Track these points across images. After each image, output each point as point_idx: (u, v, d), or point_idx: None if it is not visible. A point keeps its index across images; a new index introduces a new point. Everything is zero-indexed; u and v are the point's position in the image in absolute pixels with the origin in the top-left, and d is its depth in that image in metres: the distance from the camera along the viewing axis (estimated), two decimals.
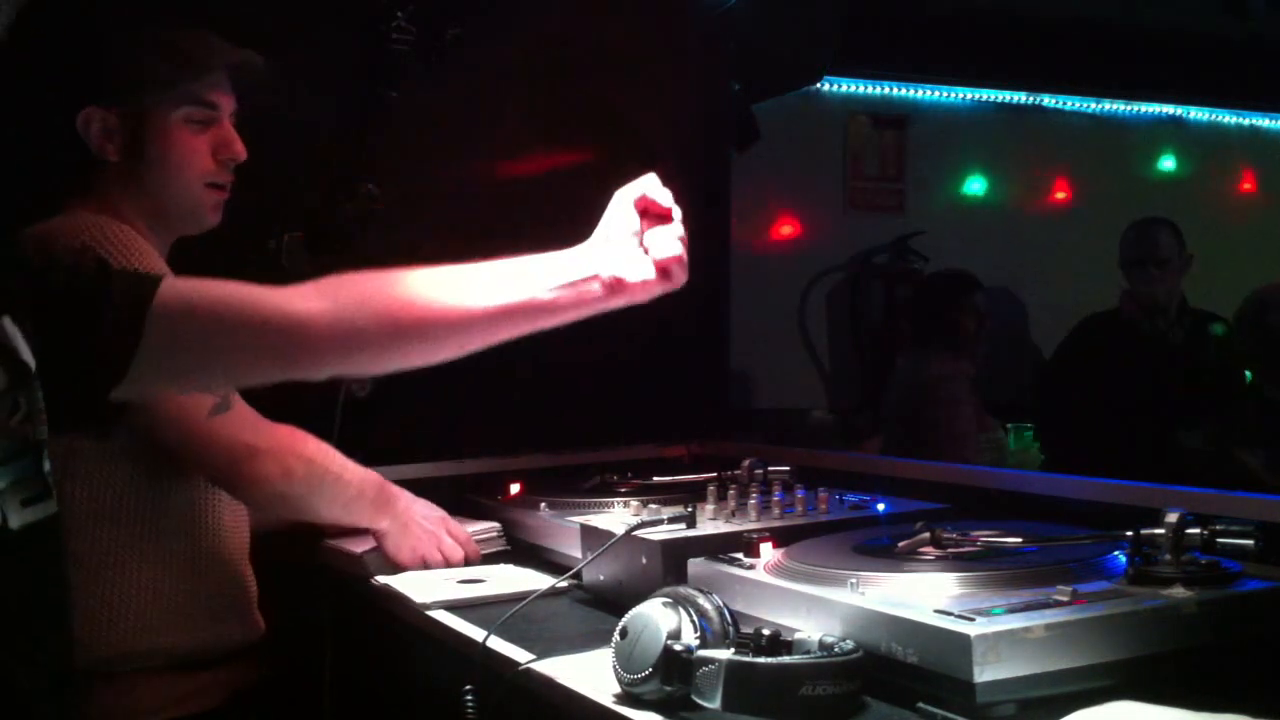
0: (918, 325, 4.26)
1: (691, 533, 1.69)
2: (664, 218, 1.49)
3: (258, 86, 1.99)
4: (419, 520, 2.04)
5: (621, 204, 1.50)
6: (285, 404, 1.91)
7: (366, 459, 2.06)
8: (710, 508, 1.81)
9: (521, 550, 2.11)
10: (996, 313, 4.19)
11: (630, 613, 1.33)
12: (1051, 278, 4.80)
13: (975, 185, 4.95)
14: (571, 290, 1.45)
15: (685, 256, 1.49)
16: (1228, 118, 5.47)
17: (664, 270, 1.47)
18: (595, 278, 1.46)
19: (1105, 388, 3.71)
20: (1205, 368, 3.79)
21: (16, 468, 1.12)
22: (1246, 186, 5.52)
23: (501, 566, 2.06)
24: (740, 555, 1.56)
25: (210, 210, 1.95)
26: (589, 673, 1.40)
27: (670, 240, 1.48)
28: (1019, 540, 1.47)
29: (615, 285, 1.46)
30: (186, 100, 1.88)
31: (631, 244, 1.48)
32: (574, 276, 1.46)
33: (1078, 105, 5.13)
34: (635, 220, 1.49)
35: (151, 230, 1.87)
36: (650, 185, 1.50)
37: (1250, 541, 1.33)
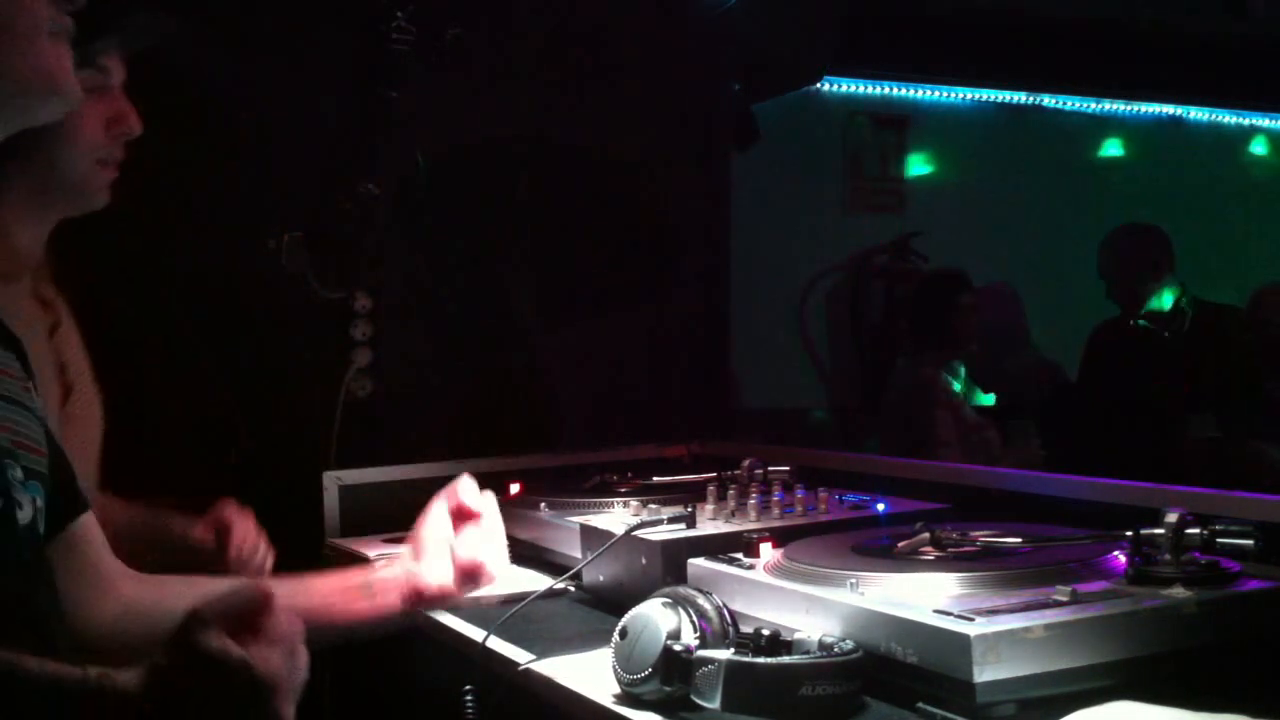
0: (913, 326, 4.27)
1: (691, 533, 1.69)
2: (476, 519, 1.52)
3: (158, 45, 1.77)
4: None
5: (437, 509, 1.53)
6: (286, 405, 1.92)
7: (367, 459, 2.06)
8: (710, 508, 1.81)
9: (522, 550, 2.11)
10: (996, 313, 4.19)
11: (630, 613, 1.32)
12: (1051, 278, 4.80)
13: (975, 185, 4.95)
14: (369, 605, 1.47)
15: (495, 558, 1.51)
16: (1228, 118, 5.47)
17: (467, 573, 1.49)
18: (393, 589, 1.48)
19: (1120, 390, 3.73)
20: (1208, 364, 3.80)
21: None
22: (1246, 186, 5.52)
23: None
24: (740, 555, 1.56)
25: (99, 190, 1.73)
26: (589, 673, 1.40)
27: (475, 543, 1.49)
28: (1019, 540, 1.47)
29: (412, 596, 1.49)
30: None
31: (438, 550, 1.50)
32: (374, 591, 1.48)
33: (1078, 105, 5.13)
34: (447, 525, 1.51)
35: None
36: (464, 488, 1.52)
37: (1250, 541, 1.33)
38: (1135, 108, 5.25)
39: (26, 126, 1.29)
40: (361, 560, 2.04)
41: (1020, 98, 4.99)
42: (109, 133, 1.72)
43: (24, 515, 1.13)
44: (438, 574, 1.49)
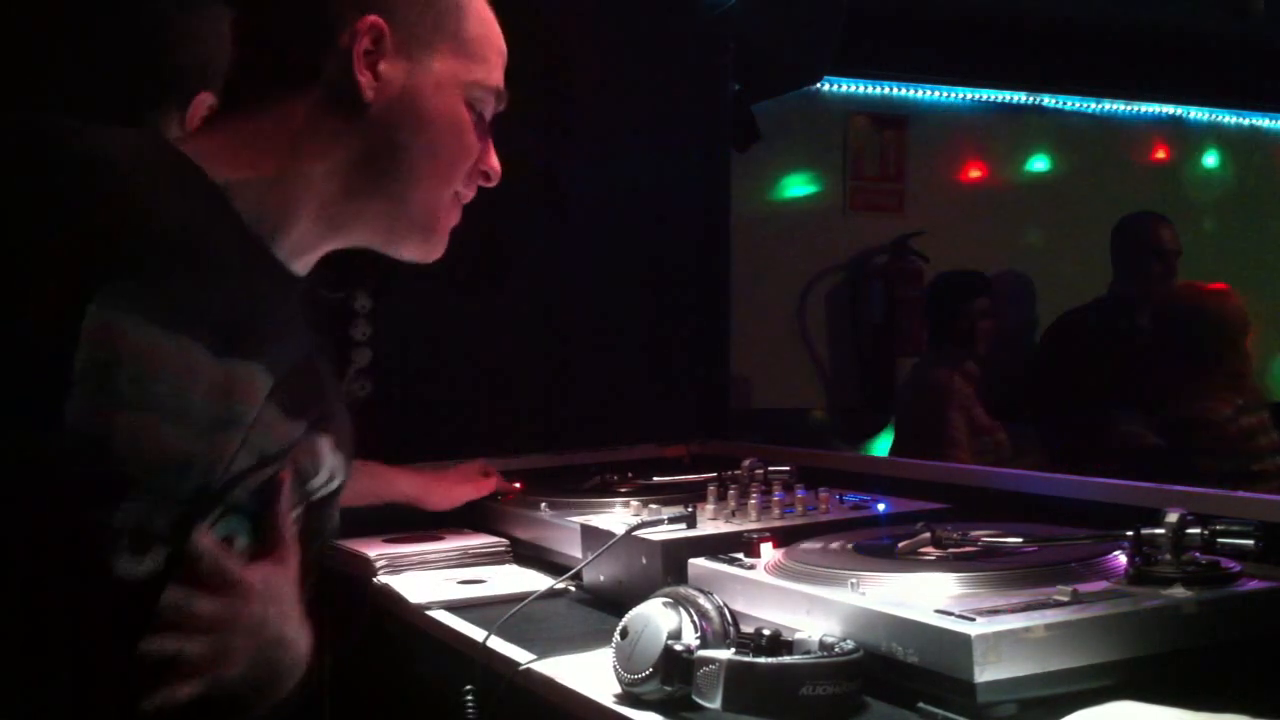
0: (929, 326, 4.24)
1: (691, 533, 1.69)
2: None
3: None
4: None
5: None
6: None
7: (367, 459, 2.04)
8: (710, 508, 1.81)
9: (522, 550, 2.11)
10: (998, 313, 4.19)
11: (630, 613, 1.33)
12: (1050, 279, 4.79)
13: (975, 185, 4.94)
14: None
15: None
16: (1228, 118, 5.47)
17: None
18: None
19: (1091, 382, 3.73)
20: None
21: None
22: (1246, 186, 5.51)
23: (501, 566, 2.06)
24: (740, 555, 1.56)
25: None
26: (589, 673, 1.40)
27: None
28: (1019, 540, 1.48)
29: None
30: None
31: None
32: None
33: (1078, 105, 5.13)
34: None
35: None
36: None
37: (1250, 541, 1.33)
38: (1135, 108, 5.24)
39: (379, 250, 1.36)
40: (361, 560, 2.04)
41: (1020, 98, 4.99)
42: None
43: None
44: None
